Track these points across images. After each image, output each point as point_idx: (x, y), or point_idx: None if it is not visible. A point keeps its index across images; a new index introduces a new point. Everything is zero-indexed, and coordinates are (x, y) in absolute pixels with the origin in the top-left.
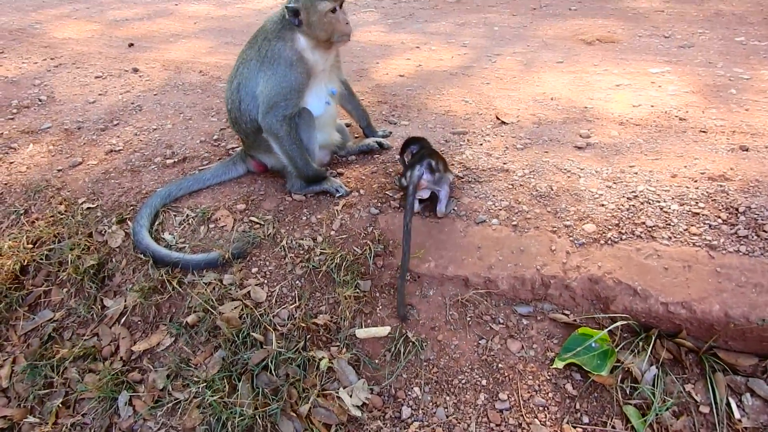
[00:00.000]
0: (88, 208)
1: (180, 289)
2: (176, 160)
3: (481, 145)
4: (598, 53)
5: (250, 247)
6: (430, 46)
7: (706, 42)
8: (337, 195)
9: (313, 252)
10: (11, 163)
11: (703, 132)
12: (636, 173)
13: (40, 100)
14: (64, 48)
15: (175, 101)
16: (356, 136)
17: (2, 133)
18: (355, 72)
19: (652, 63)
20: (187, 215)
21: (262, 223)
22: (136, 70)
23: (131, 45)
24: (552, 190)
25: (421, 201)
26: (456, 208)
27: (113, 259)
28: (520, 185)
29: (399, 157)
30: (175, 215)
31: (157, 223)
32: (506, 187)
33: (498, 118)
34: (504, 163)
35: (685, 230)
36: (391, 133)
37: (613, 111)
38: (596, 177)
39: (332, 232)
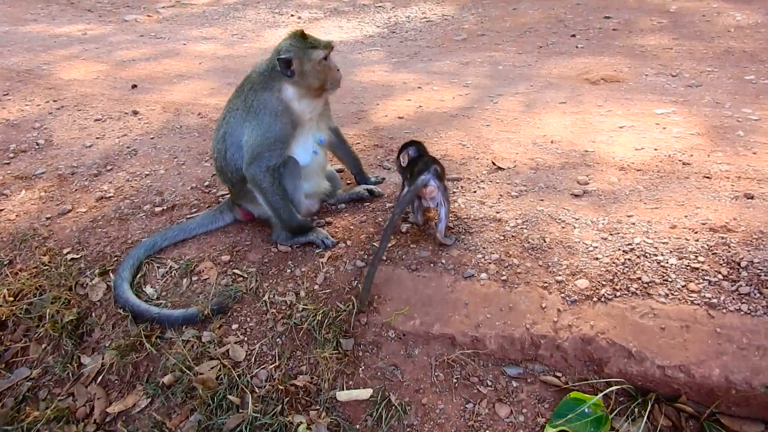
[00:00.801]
0: (72, 258)
1: (158, 347)
2: (165, 207)
3: (475, 192)
4: (603, 93)
5: (232, 302)
6: (432, 86)
7: (715, 81)
8: (323, 247)
9: (296, 308)
10: (1, 210)
11: (707, 177)
12: (634, 224)
13: (37, 144)
14: (68, 90)
15: (171, 145)
16: (348, 182)
17: None
18: (354, 114)
19: (657, 103)
20: (171, 267)
21: (246, 276)
22: (135, 113)
23: (134, 86)
24: (545, 242)
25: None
26: (444, 261)
27: (93, 314)
28: (512, 236)
29: (396, 160)
30: (158, 267)
31: (139, 275)
32: (497, 238)
33: (494, 164)
34: (497, 212)
35: (684, 287)
36: (384, 179)
37: (614, 155)
38: (592, 228)
39: (316, 287)
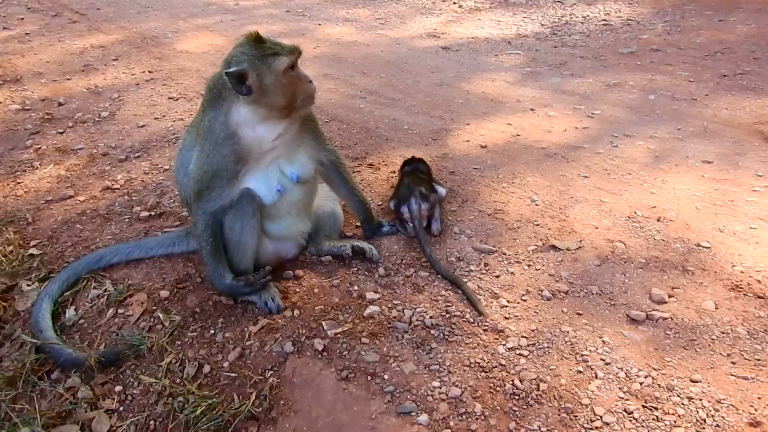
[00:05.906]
0: (30, 255)
1: (39, 389)
2: (153, 213)
3: (498, 277)
4: None
5: (132, 355)
6: (547, 111)
7: None
8: (265, 310)
9: (186, 388)
10: (18, 183)
11: None
12: (690, 398)
13: (99, 117)
14: (171, 62)
15: None
16: (358, 224)
17: (39, 148)
18: (433, 132)
19: None
20: (105, 290)
21: (166, 325)
22: None
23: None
24: (537, 389)
25: None
26: (387, 377)
27: (9, 326)
28: (500, 365)
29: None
30: (94, 287)
31: (72, 291)
32: (477, 361)
33: (548, 241)
34: (505, 317)
35: None
36: (398, 231)
37: (737, 260)
38: (620, 385)
39: (226, 363)
